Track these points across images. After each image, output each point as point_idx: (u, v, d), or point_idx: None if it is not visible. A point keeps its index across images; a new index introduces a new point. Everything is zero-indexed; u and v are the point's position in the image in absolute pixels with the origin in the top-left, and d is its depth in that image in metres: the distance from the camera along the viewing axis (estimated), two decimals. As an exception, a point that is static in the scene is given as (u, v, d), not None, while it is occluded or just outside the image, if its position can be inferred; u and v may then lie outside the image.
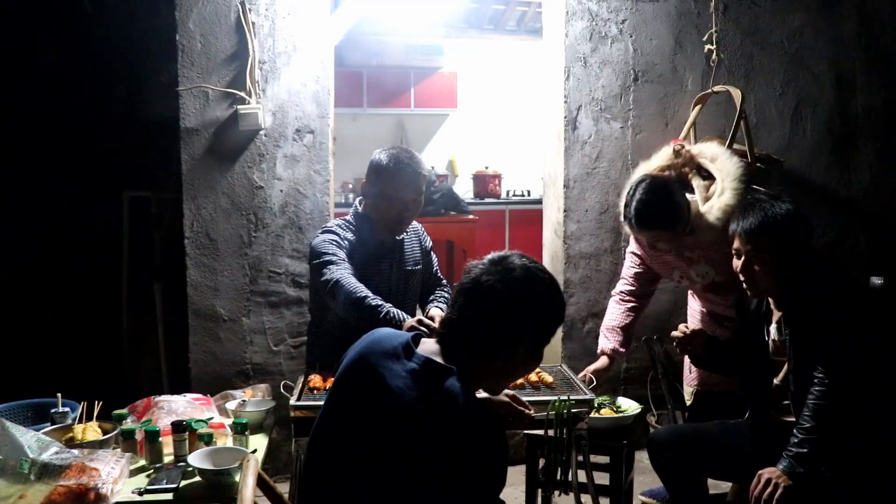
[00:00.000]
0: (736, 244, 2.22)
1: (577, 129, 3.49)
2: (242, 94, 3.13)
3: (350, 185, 6.86)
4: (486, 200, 7.23)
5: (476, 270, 1.46)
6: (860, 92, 3.77)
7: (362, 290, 2.29)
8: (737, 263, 2.22)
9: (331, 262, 2.39)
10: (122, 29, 3.60)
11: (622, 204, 2.60)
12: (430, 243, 2.81)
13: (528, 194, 7.43)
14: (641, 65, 3.52)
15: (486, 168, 7.43)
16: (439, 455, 1.32)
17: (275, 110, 3.20)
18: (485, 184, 7.32)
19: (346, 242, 2.49)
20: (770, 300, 2.29)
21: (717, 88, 3.34)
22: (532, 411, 1.95)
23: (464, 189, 7.34)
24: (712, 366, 2.49)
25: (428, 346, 1.48)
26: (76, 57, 3.63)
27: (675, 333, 2.40)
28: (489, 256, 1.49)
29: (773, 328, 2.28)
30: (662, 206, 2.48)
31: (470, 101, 7.63)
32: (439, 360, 1.43)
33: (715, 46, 3.50)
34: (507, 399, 1.91)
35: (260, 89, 3.16)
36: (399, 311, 2.25)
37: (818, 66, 3.70)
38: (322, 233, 2.55)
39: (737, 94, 3.14)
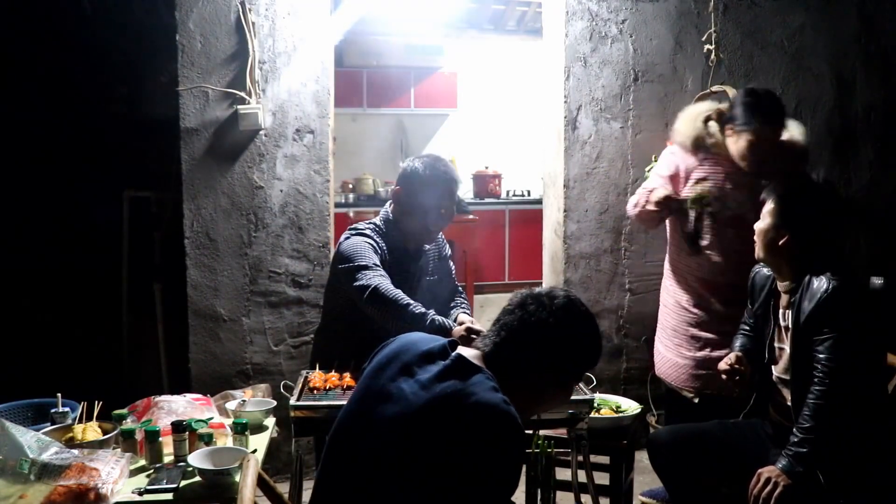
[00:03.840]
0: (767, 207, 2.24)
1: (577, 129, 3.49)
2: (242, 94, 3.13)
3: (350, 185, 6.87)
4: (486, 200, 7.24)
5: (522, 294, 1.55)
6: (860, 92, 3.77)
7: (403, 297, 2.27)
8: (758, 225, 2.25)
9: (366, 268, 2.35)
10: (122, 29, 3.60)
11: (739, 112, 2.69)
12: (449, 251, 2.79)
13: (528, 194, 7.44)
14: (641, 65, 3.52)
15: (486, 168, 7.44)
16: (462, 447, 1.34)
17: (275, 110, 3.21)
18: (485, 184, 7.33)
19: (379, 249, 2.46)
20: (778, 284, 2.29)
21: (714, 88, 3.35)
22: None
23: (464, 189, 7.35)
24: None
25: (464, 352, 1.51)
26: (76, 57, 3.62)
27: (722, 366, 2.34)
28: (537, 288, 1.59)
29: (780, 311, 2.28)
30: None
31: (470, 101, 7.64)
32: (473, 360, 1.47)
33: (714, 46, 3.50)
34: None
35: (260, 89, 3.16)
36: (444, 318, 2.26)
37: (818, 66, 3.71)
38: (353, 235, 2.50)
39: (732, 93, 3.15)
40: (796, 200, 2.19)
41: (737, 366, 2.30)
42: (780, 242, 2.19)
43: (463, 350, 1.52)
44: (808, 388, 2.08)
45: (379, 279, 2.31)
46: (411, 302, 2.26)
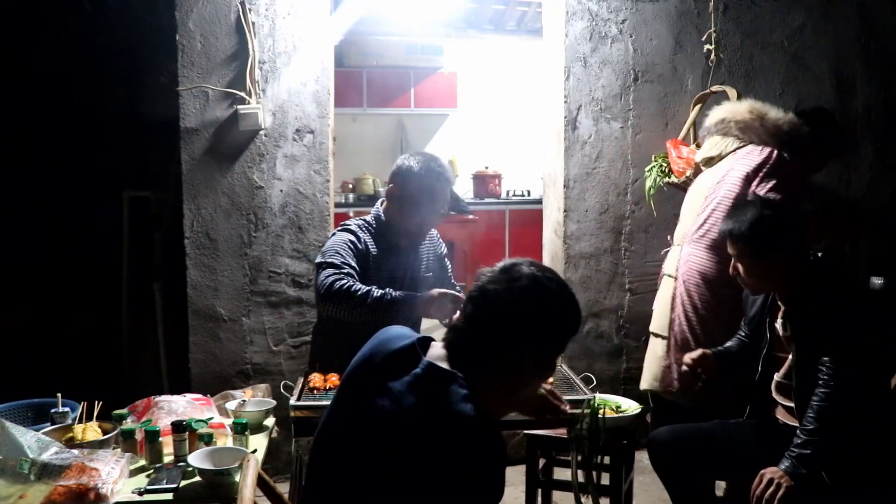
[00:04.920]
0: (728, 248, 2.26)
1: (577, 129, 3.49)
2: (242, 94, 3.13)
3: (350, 185, 6.86)
4: (486, 200, 7.22)
5: (483, 278, 1.46)
6: (860, 92, 3.77)
7: (360, 286, 2.29)
8: (742, 269, 2.25)
9: (330, 265, 2.36)
10: (122, 29, 3.60)
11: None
12: (445, 249, 2.79)
13: (528, 194, 7.43)
14: (641, 65, 3.52)
15: (486, 168, 7.43)
16: (437, 462, 1.30)
17: (275, 110, 3.21)
18: (485, 184, 7.32)
19: (361, 245, 2.47)
20: (777, 298, 2.29)
21: (714, 88, 3.34)
22: (568, 407, 1.94)
23: (464, 189, 7.34)
24: (728, 379, 2.48)
25: (435, 352, 1.47)
26: (76, 57, 3.62)
27: (686, 360, 2.40)
28: (500, 264, 1.48)
29: (778, 323, 2.28)
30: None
31: (470, 101, 7.63)
32: (445, 365, 1.42)
33: (714, 46, 3.50)
34: (543, 392, 1.89)
35: (260, 89, 3.16)
36: (394, 291, 2.29)
37: (818, 66, 3.71)
38: (340, 230, 2.52)
39: (732, 93, 3.15)
40: (742, 228, 2.17)
41: (698, 361, 2.36)
42: (747, 269, 2.19)
43: (433, 349, 1.47)
44: (812, 391, 2.08)
45: (334, 276, 2.32)
46: (371, 288, 2.28)
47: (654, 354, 2.94)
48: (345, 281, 2.31)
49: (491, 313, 1.42)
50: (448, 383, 1.37)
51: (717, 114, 2.91)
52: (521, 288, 1.41)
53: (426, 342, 1.49)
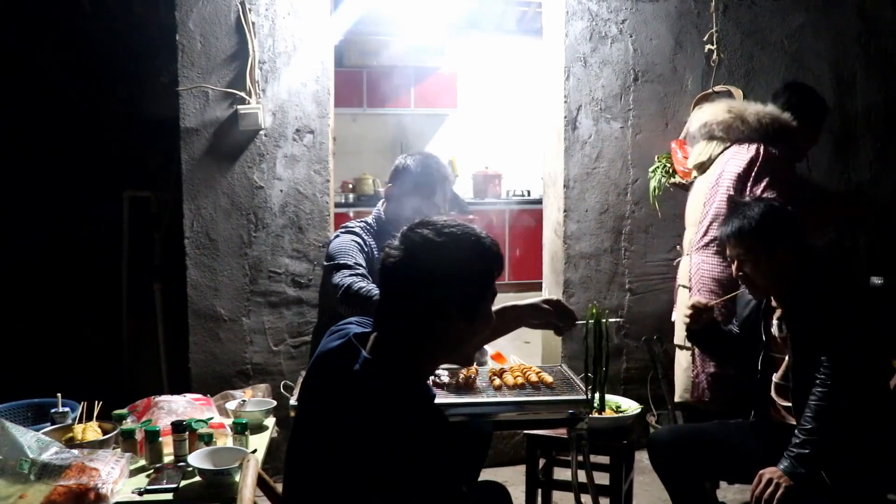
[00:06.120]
0: (728, 251, 2.26)
1: (577, 129, 3.49)
2: (242, 94, 3.13)
3: (350, 185, 6.87)
4: (486, 200, 7.23)
5: (386, 255, 1.43)
6: (860, 92, 3.77)
7: (376, 291, 2.27)
8: (733, 269, 2.25)
9: (345, 266, 2.34)
10: (122, 29, 3.60)
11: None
12: None
13: (528, 194, 7.43)
14: (641, 65, 3.52)
15: (486, 168, 7.43)
16: (387, 458, 1.29)
17: (275, 110, 3.21)
18: (485, 184, 7.33)
19: (367, 246, 2.46)
20: (773, 300, 2.30)
21: (717, 88, 3.35)
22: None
23: (464, 189, 7.35)
24: (707, 346, 2.50)
25: (371, 342, 1.46)
26: (76, 57, 3.63)
27: (693, 303, 2.42)
28: (401, 232, 1.45)
29: (774, 324, 2.28)
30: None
31: (470, 101, 7.63)
32: (381, 354, 1.40)
33: (715, 46, 3.50)
34: (549, 308, 1.91)
35: (260, 89, 3.16)
36: None
37: (818, 66, 3.71)
38: (343, 232, 2.51)
39: (738, 94, 3.15)
40: (742, 225, 2.18)
41: (696, 308, 2.39)
42: (752, 268, 2.19)
43: (371, 340, 1.45)
44: (809, 391, 2.08)
45: (352, 278, 2.29)
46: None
47: (681, 366, 2.94)
48: (362, 284, 2.28)
49: (397, 287, 1.41)
50: (384, 379, 1.36)
51: (698, 118, 2.92)
52: (413, 256, 1.39)
53: (363, 337, 1.48)
